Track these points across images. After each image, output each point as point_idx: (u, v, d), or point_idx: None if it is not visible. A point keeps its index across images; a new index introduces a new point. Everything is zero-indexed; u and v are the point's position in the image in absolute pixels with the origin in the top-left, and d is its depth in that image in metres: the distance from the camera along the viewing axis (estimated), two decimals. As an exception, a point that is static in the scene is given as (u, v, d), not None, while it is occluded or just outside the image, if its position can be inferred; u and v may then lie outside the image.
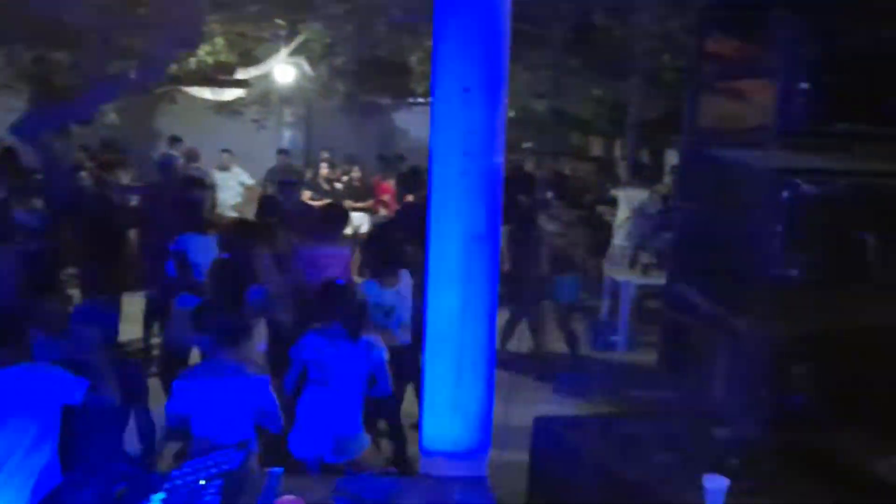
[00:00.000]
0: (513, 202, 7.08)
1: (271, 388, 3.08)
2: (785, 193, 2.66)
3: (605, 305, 8.12)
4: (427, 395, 2.97)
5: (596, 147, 13.21)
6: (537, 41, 7.27)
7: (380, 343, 3.47)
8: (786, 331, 2.68)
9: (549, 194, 7.65)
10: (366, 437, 3.53)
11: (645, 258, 7.28)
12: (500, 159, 2.84)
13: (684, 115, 3.17)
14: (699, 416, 2.94)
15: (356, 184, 9.57)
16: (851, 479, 2.57)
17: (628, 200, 8.33)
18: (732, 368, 2.80)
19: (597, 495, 2.84)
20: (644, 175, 9.00)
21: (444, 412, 2.93)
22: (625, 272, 7.70)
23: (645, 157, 10.90)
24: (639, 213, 8.05)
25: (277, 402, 3.08)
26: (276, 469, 2.59)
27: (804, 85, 2.61)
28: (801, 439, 2.68)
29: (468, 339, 2.89)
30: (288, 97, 11.49)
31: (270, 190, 8.32)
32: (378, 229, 6.99)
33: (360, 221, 8.73)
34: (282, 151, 10.12)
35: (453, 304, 2.86)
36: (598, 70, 7.88)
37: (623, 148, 11.45)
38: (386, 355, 3.48)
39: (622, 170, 10.24)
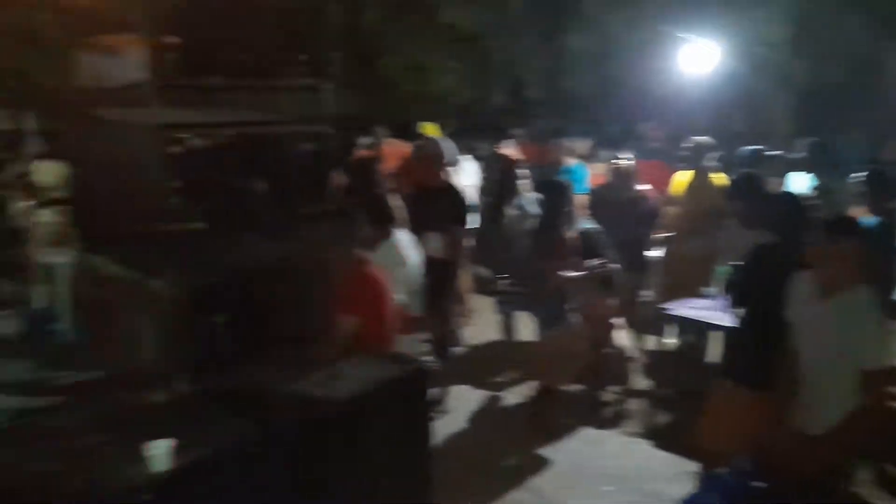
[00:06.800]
0: None
1: None
2: (173, 149, 2.68)
3: (40, 292, 7.38)
4: None
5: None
6: None
7: None
8: (196, 283, 2.76)
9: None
10: None
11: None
12: None
13: (62, 76, 2.95)
14: (130, 386, 2.88)
15: None
16: (277, 401, 2.86)
17: (48, 175, 7.67)
18: (156, 330, 2.78)
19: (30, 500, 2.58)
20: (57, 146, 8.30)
21: None
22: (52, 252, 7.10)
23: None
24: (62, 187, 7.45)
25: None
26: None
27: (174, 40, 2.63)
28: (228, 380, 2.84)
29: None
30: None
31: None
32: None
33: None
34: None
35: None
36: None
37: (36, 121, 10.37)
38: None
39: (34, 144, 9.26)
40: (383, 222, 5.01)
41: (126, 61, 2.66)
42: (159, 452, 2.57)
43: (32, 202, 7.63)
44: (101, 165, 2.93)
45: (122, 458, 2.59)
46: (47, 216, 7.48)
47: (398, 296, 4.80)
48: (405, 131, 10.74)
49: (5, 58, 8.72)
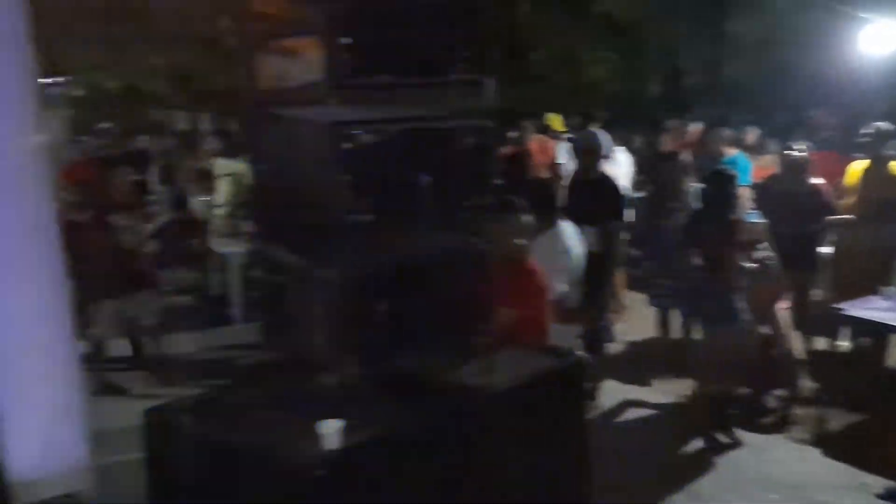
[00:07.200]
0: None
1: None
2: (346, 144, 2.81)
3: (214, 280, 7.97)
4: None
5: (182, 121, 12.72)
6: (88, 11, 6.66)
7: None
8: (364, 272, 2.88)
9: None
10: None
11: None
12: (40, 139, 2.56)
13: (242, 78, 3.17)
14: (304, 369, 3.05)
15: None
16: (437, 389, 2.94)
17: (225, 171, 8.24)
18: (325, 316, 2.93)
19: (216, 469, 2.80)
20: (233, 144, 8.90)
21: (26, 429, 2.61)
22: (228, 243, 7.64)
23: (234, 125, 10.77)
24: (238, 182, 8.00)
25: None
26: None
27: (346, 40, 2.76)
28: (391, 366, 2.96)
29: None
30: None
31: None
32: None
33: None
34: None
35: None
36: (155, 39, 7.47)
37: (214, 120, 11.18)
38: None
39: (212, 142, 9.99)
40: (547, 212, 4.99)
41: (301, 62, 2.82)
42: (329, 432, 2.71)
43: (210, 196, 8.27)
44: (278, 161, 3.11)
45: (296, 435, 2.74)
46: (224, 209, 8.08)
47: (559, 286, 4.77)
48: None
49: (188, 62, 9.45)
